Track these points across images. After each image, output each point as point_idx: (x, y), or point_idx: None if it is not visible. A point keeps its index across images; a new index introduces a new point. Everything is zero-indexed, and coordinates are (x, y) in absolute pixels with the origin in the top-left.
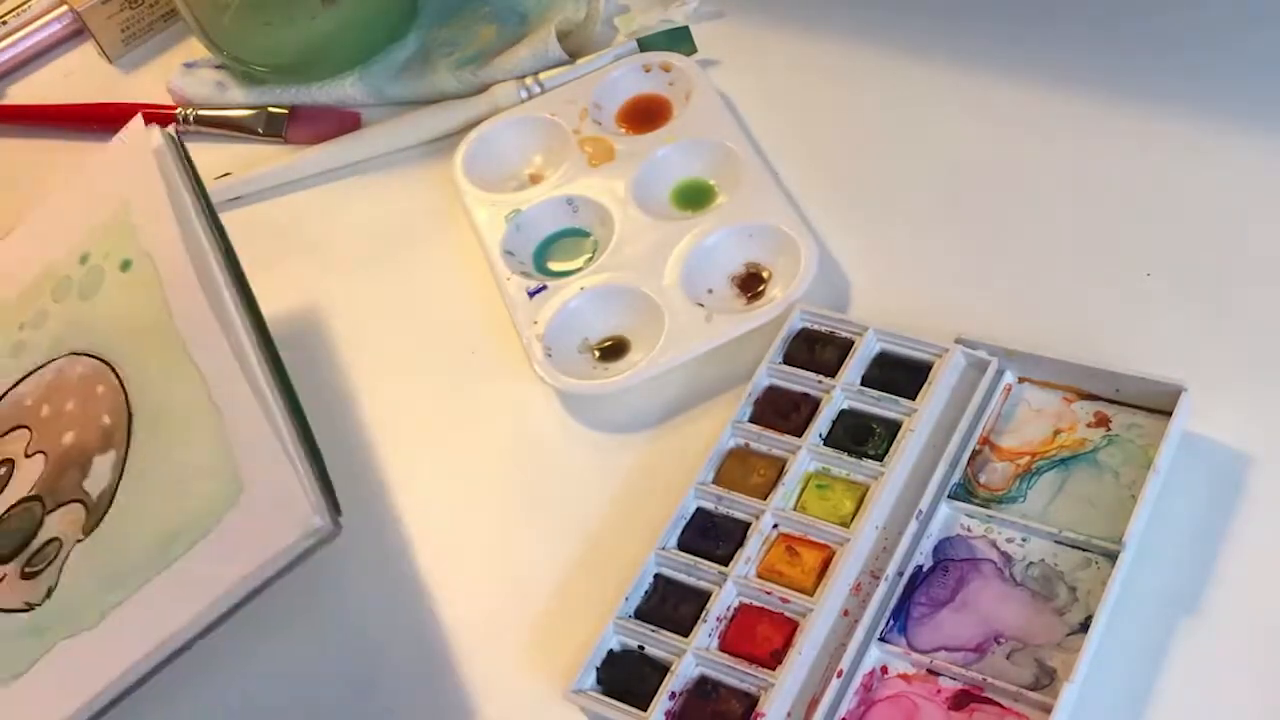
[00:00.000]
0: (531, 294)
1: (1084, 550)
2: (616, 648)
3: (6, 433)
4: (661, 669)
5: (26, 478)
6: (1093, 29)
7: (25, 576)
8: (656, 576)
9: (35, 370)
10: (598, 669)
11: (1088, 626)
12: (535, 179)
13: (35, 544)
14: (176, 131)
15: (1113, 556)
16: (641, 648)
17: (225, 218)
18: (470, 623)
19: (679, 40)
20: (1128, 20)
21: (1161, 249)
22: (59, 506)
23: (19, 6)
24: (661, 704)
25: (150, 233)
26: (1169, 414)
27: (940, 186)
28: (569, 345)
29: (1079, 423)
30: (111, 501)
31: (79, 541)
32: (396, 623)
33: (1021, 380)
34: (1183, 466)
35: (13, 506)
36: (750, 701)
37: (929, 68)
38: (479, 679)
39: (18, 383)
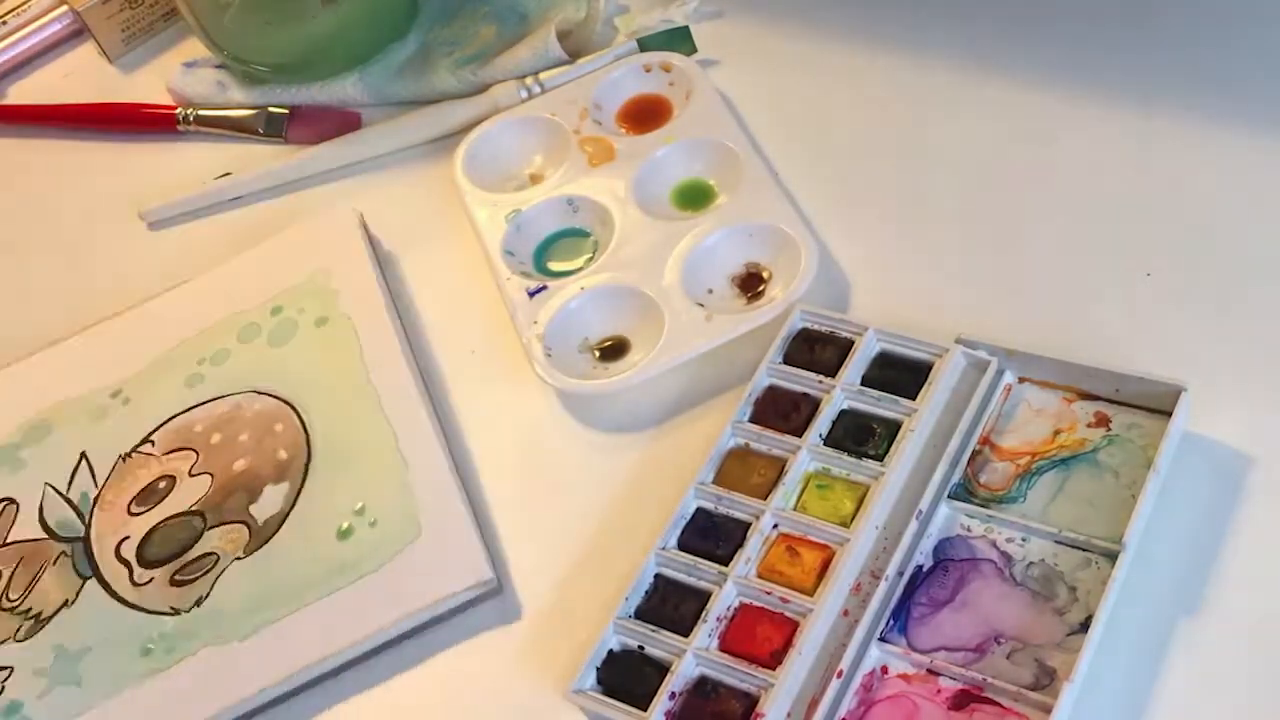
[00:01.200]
0: (531, 294)
1: (1084, 550)
2: (616, 648)
3: (172, 451)
4: (661, 669)
5: (189, 493)
6: (1093, 28)
7: (174, 584)
8: (656, 576)
9: (209, 400)
10: (598, 669)
11: (1088, 626)
12: (535, 179)
13: (190, 555)
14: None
15: (1113, 556)
16: (641, 648)
17: (225, 217)
18: (471, 622)
19: (679, 40)
20: (1128, 20)
21: (1161, 249)
22: (221, 525)
23: (19, 6)
24: (661, 704)
25: (351, 298)
26: (1169, 414)
27: (940, 186)
28: (569, 345)
29: (1079, 423)
30: (280, 527)
31: (238, 559)
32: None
33: (1021, 380)
34: (1183, 466)
35: (171, 517)
36: (750, 701)
37: (929, 67)
38: (479, 679)
39: (190, 409)
